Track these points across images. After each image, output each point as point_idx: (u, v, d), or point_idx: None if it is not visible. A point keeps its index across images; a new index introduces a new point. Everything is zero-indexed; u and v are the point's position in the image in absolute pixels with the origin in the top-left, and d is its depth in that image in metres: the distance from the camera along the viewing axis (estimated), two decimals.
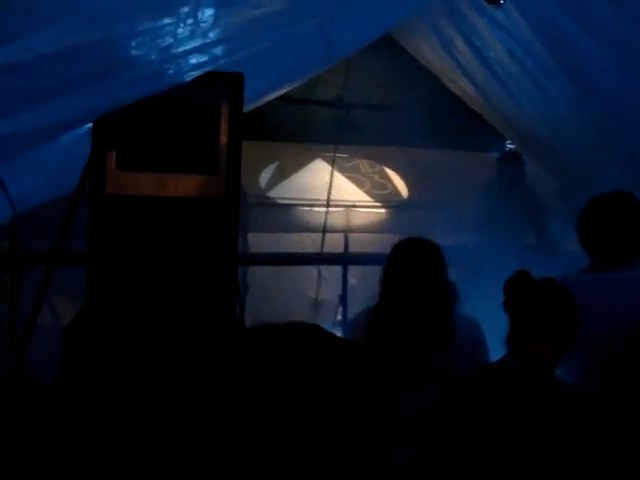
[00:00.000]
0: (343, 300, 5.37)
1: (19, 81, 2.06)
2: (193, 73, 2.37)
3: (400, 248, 3.07)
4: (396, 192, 5.92)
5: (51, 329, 4.24)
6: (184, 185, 2.81)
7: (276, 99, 4.43)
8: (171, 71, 2.23)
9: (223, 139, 2.83)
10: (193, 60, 2.28)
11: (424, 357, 2.71)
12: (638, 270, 2.83)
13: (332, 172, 5.55)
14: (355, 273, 5.43)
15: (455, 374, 2.45)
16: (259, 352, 1.03)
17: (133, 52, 1.97)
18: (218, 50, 2.32)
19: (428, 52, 5.06)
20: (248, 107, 3.32)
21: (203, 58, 2.30)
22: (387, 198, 5.90)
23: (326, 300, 5.47)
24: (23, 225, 3.84)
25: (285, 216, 5.43)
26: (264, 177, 5.66)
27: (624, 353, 2.63)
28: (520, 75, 4.49)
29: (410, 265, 2.92)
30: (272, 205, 5.54)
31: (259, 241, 5.06)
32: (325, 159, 5.71)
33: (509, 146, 5.75)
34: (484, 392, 2.30)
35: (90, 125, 2.71)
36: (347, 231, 5.61)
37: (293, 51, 3.46)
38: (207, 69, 2.44)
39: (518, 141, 5.50)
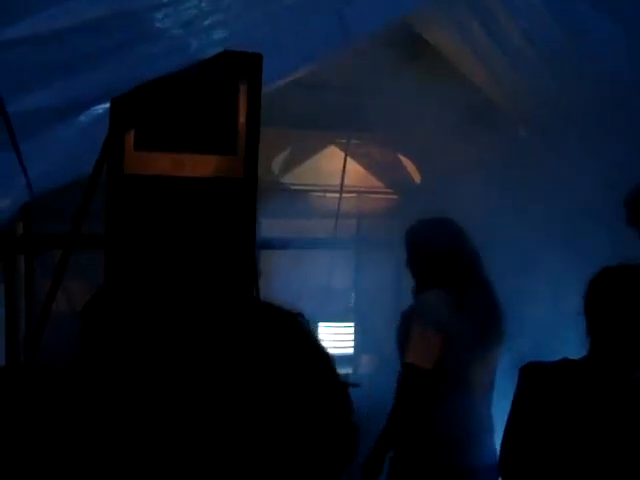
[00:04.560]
0: (355, 286, 5.36)
1: (38, 56, 2.04)
2: (215, 49, 2.34)
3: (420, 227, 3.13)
4: (409, 178, 5.88)
5: (62, 313, 4.23)
6: (202, 165, 2.79)
7: (289, 85, 4.39)
8: (194, 46, 2.21)
9: (241, 119, 2.80)
10: (215, 35, 2.26)
11: None
12: None
13: (345, 158, 5.52)
14: (367, 259, 5.41)
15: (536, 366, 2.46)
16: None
17: (157, 25, 1.95)
18: (239, 25, 2.29)
19: (445, 39, 5.02)
20: (263, 90, 3.29)
21: (225, 33, 2.27)
22: (400, 184, 5.87)
23: (338, 286, 5.46)
24: (36, 207, 3.81)
25: (298, 202, 5.39)
26: (277, 163, 5.63)
27: None
28: (537, 62, 4.45)
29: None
30: (285, 191, 5.51)
31: (271, 227, 5.04)
32: (338, 145, 5.67)
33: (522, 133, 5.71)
34: (567, 385, 2.32)
35: (106, 106, 2.68)
36: (360, 217, 5.59)
37: (310, 33, 3.44)
38: (228, 45, 2.41)
39: (532, 128, 5.45)
